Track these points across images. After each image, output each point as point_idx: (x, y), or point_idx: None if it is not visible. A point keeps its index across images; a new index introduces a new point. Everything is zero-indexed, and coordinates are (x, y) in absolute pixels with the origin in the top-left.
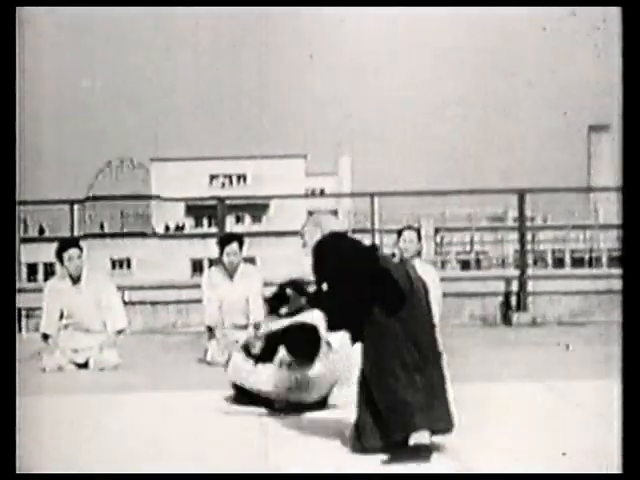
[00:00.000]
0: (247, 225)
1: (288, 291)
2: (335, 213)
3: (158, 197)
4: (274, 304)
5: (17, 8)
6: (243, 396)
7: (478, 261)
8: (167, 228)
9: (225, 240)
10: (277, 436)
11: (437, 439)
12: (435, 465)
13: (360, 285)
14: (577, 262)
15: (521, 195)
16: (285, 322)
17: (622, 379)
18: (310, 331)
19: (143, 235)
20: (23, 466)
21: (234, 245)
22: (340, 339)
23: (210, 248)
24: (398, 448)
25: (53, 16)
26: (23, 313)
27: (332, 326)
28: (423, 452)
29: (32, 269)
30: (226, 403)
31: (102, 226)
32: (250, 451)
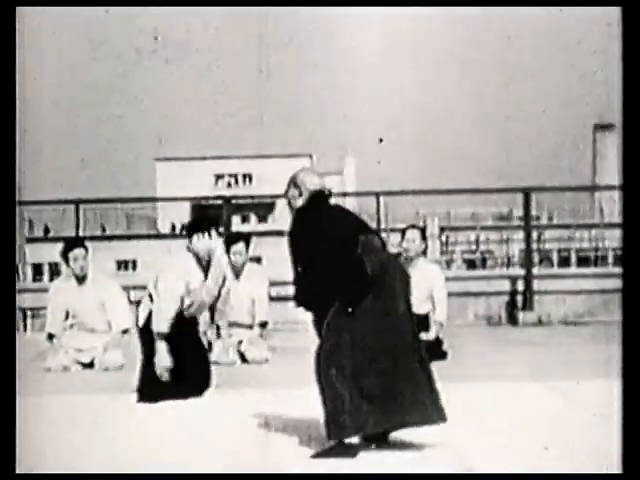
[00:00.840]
0: (253, 225)
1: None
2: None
3: (163, 199)
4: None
5: (18, 8)
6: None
7: (483, 260)
8: (173, 228)
9: (231, 240)
10: (278, 435)
11: (436, 438)
12: (435, 463)
13: (328, 270)
14: (583, 261)
15: (526, 194)
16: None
17: (622, 379)
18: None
19: (148, 236)
20: (23, 466)
21: (240, 245)
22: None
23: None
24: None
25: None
26: (28, 313)
27: (298, 304)
28: (350, 450)
29: (37, 269)
30: (230, 402)
31: (104, 229)
32: (252, 451)
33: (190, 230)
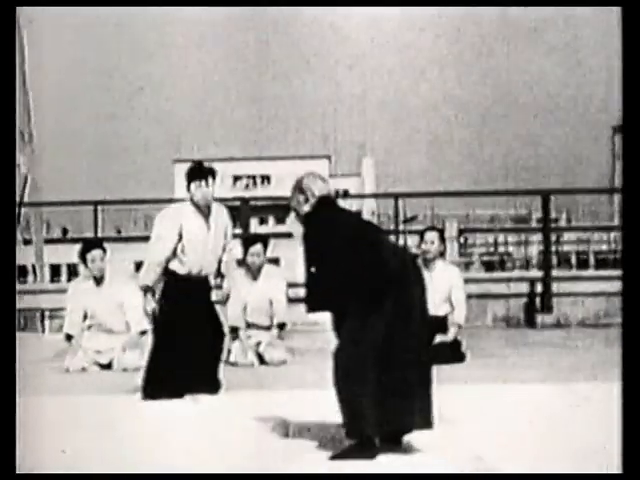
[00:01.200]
0: (271, 226)
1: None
2: (359, 214)
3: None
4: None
5: (18, 8)
6: None
7: (502, 262)
8: None
9: (249, 241)
10: (296, 437)
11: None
12: (450, 464)
13: (343, 272)
14: (601, 263)
15: (545, 196)
16: None
17: (622, 379)
18: None
19: None
20: (23, 466)
21: (258, 246)
22: None
23: (233, 249)
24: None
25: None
26: (46, 314)
27: (309, 306)
28: (369, 451)
29: (55, 270)
30: (249, 402)
31: (119, 231)
32: (269, 453)
33: (188, 178)
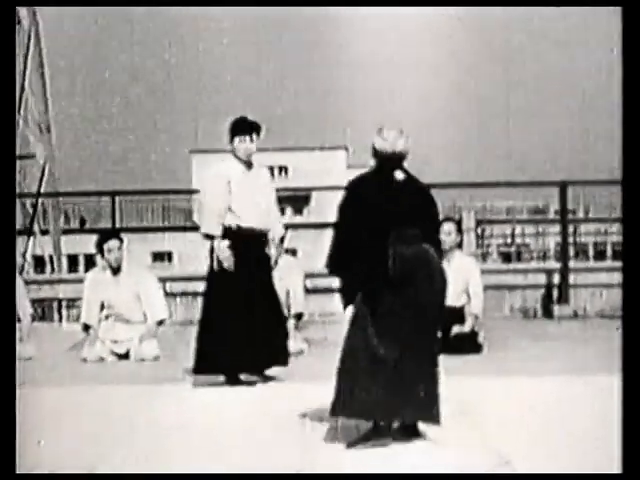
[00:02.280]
0: (288, 217)
1: None
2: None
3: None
4: None
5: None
6: None
7: (519, 254)
8: None
9: None
10: (313, 428)
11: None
12: (466, 457)
13: (354, 248)
14: (619, 255)
15: (563, 188)
16: None
17: (622, 380)
18: None
19: (184, 229)
20: (23, 466)
21: None
22: None
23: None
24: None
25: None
26: (64, 304)
27: (329, 265)
28: (382, 436)
29: (73, 260)
30: (264, 393)
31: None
32: (286, 444)
33: (232, 132)
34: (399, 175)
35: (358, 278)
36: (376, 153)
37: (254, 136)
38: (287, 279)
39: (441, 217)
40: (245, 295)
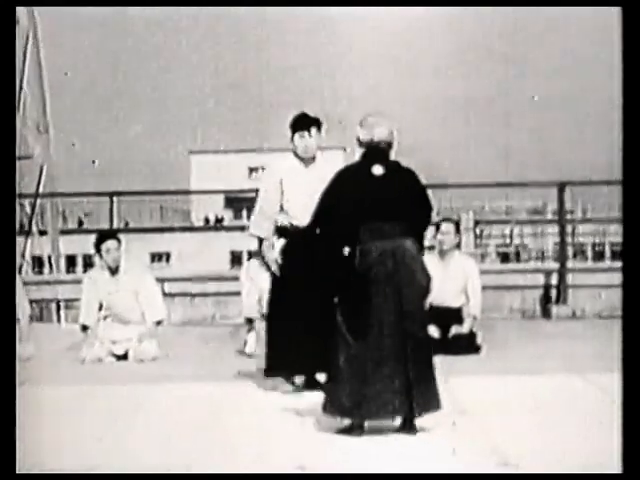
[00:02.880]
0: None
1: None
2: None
3: (197, 192)
4: None
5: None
6: None
7: (517, 254)
8: (207, 221)
9: None
10: (311, 428)
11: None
12: (465, 456)
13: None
14: (617, 255)
15: (561, 188)
16: None
17: (622, 377)
18: None
19: (182, 229)
20: (23, 466)
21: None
22: None
23: (249, 240)
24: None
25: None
26: (62, 304)
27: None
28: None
29: (71, 261)
30: (264, 393)
31: (127, 222)
32: (284, 440)
33: (292, 128)
34: (377, 170)
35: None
36: (360, 142)
37: (313, 131)
38: None
39: (439, 217)
40: (302, 296)
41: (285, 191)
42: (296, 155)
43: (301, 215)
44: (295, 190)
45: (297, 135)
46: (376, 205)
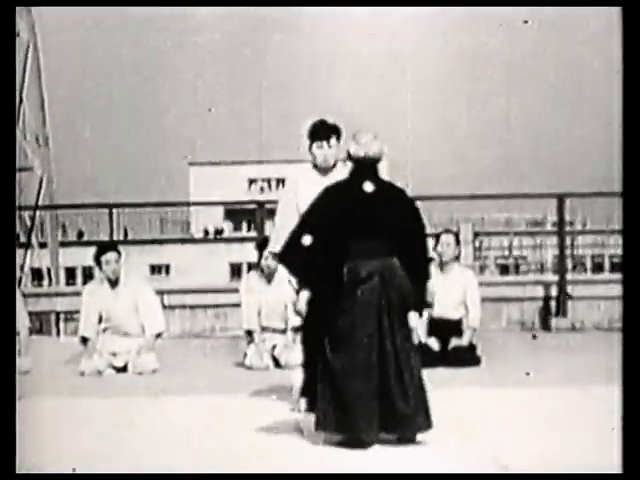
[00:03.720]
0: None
1: None
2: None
3: (196, 203)
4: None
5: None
6: None
7: (517, 266)
8: (206, 232)
9: (264, 244)
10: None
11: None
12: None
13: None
14: (616, 267)
15: (560, 200)
16: None
17: (622, 380)
18: None
19: (182, 241)
20: (23, 466)
21: None
22: None
23: (249, 252)
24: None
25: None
26: (61, 316)
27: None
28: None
29: (70, 273)
30: (264, 406)
31: (126, 233)
32: (284, 454)
33: (310, 137)
34: (368, 187)
35: (311, 281)
36: (350, 157)
37: (333, 141)
38: (284, 292)
39: (438, 229)
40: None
41: (299, 204)
42: (314, 166)
43: None
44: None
45: (315, 145)
46: (366, 223)
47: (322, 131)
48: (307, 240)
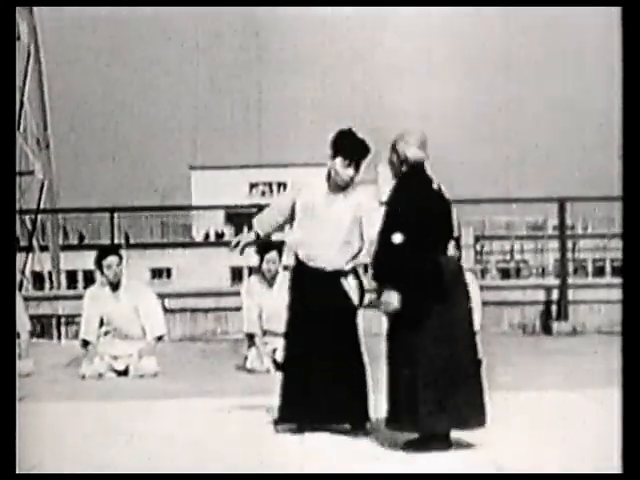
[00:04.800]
0: (287, 233)
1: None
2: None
3: (197, 207)
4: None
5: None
6: None
7: (518, 270)
8: (207, 236)
9: (264, 248)
10: (312, 443)
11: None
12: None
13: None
14: (617, 271)
15: (561, 203)
16: None
17: (622, 380)
18: None
19: (183, 245)
20: (23, 466)
21: (273, 253)
22: None
23: (250, 256)
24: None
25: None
26: (62, 320)
27: (377, 277)
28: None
29: (72, 276)
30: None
31: (127, 237)
32: (287, 456)
33: (335, 148)
34: (436, 186)
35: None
36: (406, 160)
37: (363, 164)
38: (285, 295)
39: None
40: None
41: (297, 209)
42: (329, 178)
43: (309, 249)
44: (308, 218)
45: (341, 161)
46: (445, 219)
47: (356, 150)
48: (398, 238)
